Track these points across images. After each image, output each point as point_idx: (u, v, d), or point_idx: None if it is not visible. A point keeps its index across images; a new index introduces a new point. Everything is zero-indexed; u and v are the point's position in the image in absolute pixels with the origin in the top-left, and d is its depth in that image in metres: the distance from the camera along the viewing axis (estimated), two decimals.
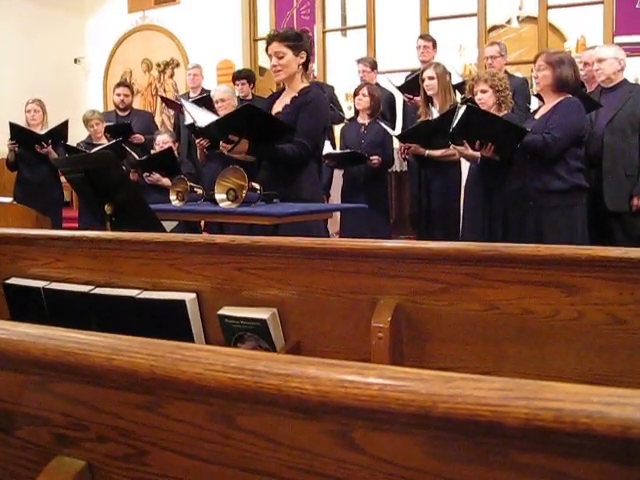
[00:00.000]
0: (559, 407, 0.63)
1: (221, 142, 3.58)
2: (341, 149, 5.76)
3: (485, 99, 4.39)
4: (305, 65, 3.68)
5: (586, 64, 5.11)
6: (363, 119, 5.67)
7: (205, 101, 5.84)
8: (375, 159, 5.47)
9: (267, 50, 3.66)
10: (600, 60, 4.79)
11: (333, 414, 0.74)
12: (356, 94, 5.67)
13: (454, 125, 4.16)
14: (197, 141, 4.91)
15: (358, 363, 0.75)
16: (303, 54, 3.60)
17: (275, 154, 3.49)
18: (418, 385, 0.69)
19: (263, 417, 0.80)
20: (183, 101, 5.58)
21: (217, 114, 5.01)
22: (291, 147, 3.48)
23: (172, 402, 0.87)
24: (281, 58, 3.56)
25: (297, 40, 3.59)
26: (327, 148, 5.34)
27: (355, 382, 0.71)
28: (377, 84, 6.43)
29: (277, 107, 3.71)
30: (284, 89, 3.83)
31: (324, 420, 0.76)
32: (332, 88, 7.19)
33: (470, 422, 0.66)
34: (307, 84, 3.72)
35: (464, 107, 4.17)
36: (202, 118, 4.03)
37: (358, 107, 5.66)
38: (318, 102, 3.66)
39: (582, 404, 0.62)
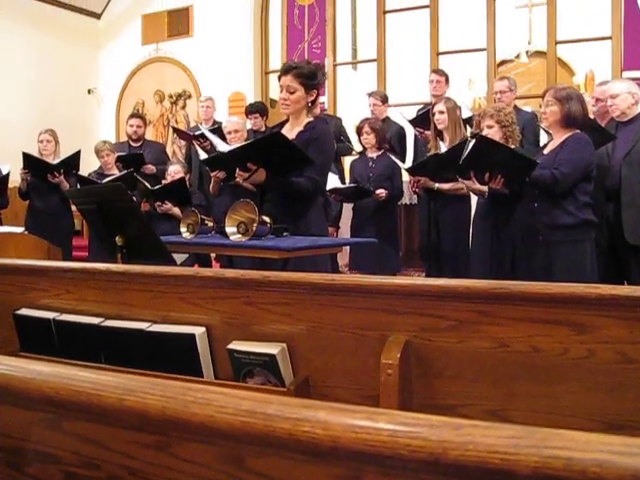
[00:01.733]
0: (569, 456, 0.63)
1: (237, 170, 3.57)
2: (350, 183, 5.81)
3: (491, 134, 4.39)
4: (313, 101, 3.69)
5: (598, 100, 5.14)
6: (371, 153, 5.74)
7: (217, 132, 5.89)
8: (381, 192, 5.50)
9: (280, 78, 3.63)
10: (613, 96, 4.81)
11: (343, 459, 0.74)
12: (360, 133, 5.76)
13: (464, 156, 4.17)
14: (213, 174, 4.92)
15: (369, 408, 0.75)
16: (314, 92, 3.60)
17: (290, 187, 3.50)
18: (428, 431, 0.69)
19: (273, 460, 0.80)
20: (204, 129, 5.61)
21: (227, 142, 5.05)
22: (305, 181, 3.49)
23: (182, 443, 0.87)
24: (292, 93, 3.55)
25: (311, 79, 3.57)
26: (334, 182, 5.39)
27: (366, 427, 0.71)
28: (387, 117, 6.48)
29: None
30: (287, 121, 3.84)
31: (334, 464, 0.76)
32: (340, 120, 7.25)
33: (480, 469, 0.66)
34: (311, 118, 3.72)
35: (475, 138, 4.19)
36: (223, 146, 4.04)
37: (366, 145, 5.75)
38: (325, 137, 3.67)
39: (592, 453, 0.62)
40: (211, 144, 5.22)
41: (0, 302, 2.57)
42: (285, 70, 3.61)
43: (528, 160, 4.05)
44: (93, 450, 0.95)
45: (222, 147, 3.95)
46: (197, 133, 6.46)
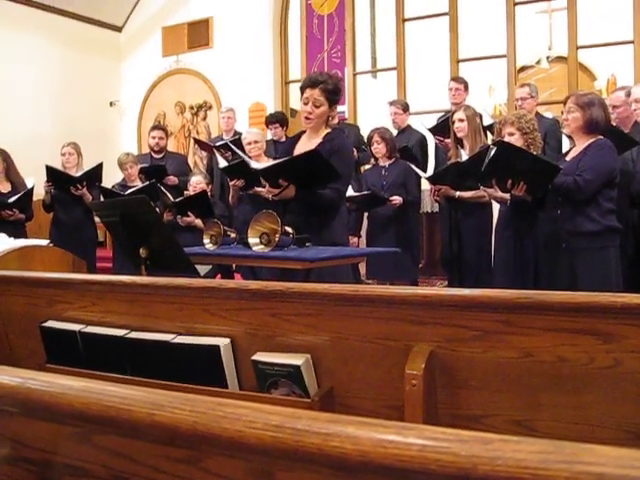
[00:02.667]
0: (601, 471, 0.62)
1: (267, 186, 3.59)
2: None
3: (513, 142, 4.36)
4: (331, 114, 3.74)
5: (614, 107, 5.09)
6: (383, 162, 5.78)
7: (236, 144, 5.93)
8: (395, 199, 5.51)
9: (304, 90, 3.64)
10: (638, 100, 4.78)
11: (373, 474, 0.74)
12: (370, 144, 5.80)
13: (486, 163, 4.16)
14: (232, 182, 4.93)
15: (398, 423, 0.75)
16: (335, 107, 3.66)
17: (318, 199, 3.52)
18: (458, 446, 0.69)
19: (303, 474, 0.81)
20: (231, 144, 5.64)
21: (249, 156, 5.07)
22: (330, 193, 3.52)
23: (212, 457, 0.88)
24: (317, 107, 3.58)
25: (336, 94, 3.62)
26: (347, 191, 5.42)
27: (395, 442, 0.71)
28: (409, 126, 6.49)
29: (300, 151, 3.69)
30: (303, 132, 3.86)
31: (364, 479, 0.76)
32: (358, 128, 7.27)
33: None
34: (329, 130, 3.75)
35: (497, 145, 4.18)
36: (256, 163, 4.06)
37: (377, 154, 5.80)
38: (346, 148, 3.71)
39: (624, 469, 0.62)
40: (233, 155, 5.23)
41: (26, 314, 2.60)
42: (312, 83, 3.61)
43: (551, 166, 4.02)
44: (123, 464, 0.96)
45: (255, 164, 3.96)
46: (218, 144, 6.51)
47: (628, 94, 5.08)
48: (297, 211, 3.59)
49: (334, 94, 3.61)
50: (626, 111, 5.01)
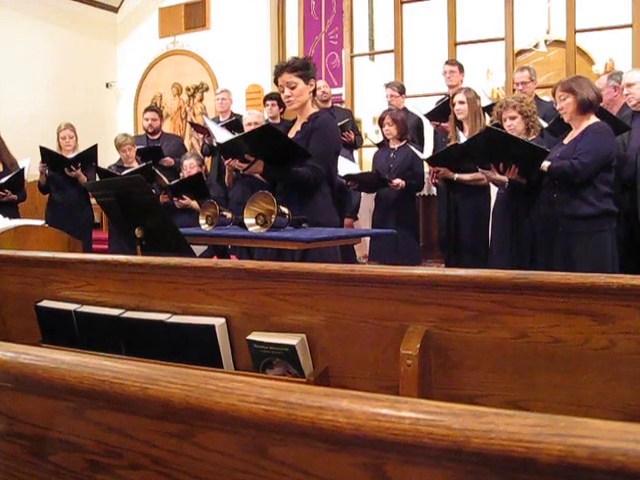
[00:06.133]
0: (594, 444, 0.62)
1: (237, 161, 3.63)
2: None
3: (515, 125, 4.37)
4: (313, 92, 3.75)
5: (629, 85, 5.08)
6: (393, 144, 5.73)
7: (235, 125, 5.90)
8: (397, 182, 5.49)
9: (276, 82, 3.70)
10: (629, 85, 4.77)
11: (366, 447, 0.74)
12: (382, 125, 5.76)
13: (476, 147, 4.18)
14: (226, 162, 4.94)
15: (391, 397, 0.75)
16: (312, 82, 3.67)
17: (290, 176, 3.53)
18: (451, 420, 0.69)
19: (296, 448, 0.81)
20: (205, 119, 5.64)
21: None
22: (305, 170, 3.52)
23: (205, 432, 0.87)
24: (293, 88, 3.61)
25: (306, 69, 3.64)
26: (350, 169, 5.39)
27: (388, 416, 0.71)
28: (404, 108, 6.45)
29: (290, 134, 3.74)
30: (296, 119, 3.89)
31: (357, 453, 0.76)
32: (350, 112, 7.25)
33: (503, 458, 0.66)
34: (316, 110, 3.79)
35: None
36: (222, 136, 4.10)
37: (388, 136, 5.73)
38: (327, 126, 3.71)
39: (617, 442, 0.62)
40: (209, 134, 5.24)
41: (22, 294, 2.60)
42: (279, 70, 3.67)
43: (536, 149, 4.04)
44: (116, 439, 0.96)
45: (219, 138, 4.01)
46: (220, 124, 6.48)
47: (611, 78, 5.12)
48: (282, 191, 3.60)
49: (305, 69, 3.64)
50: (609, 94, 5.02)
